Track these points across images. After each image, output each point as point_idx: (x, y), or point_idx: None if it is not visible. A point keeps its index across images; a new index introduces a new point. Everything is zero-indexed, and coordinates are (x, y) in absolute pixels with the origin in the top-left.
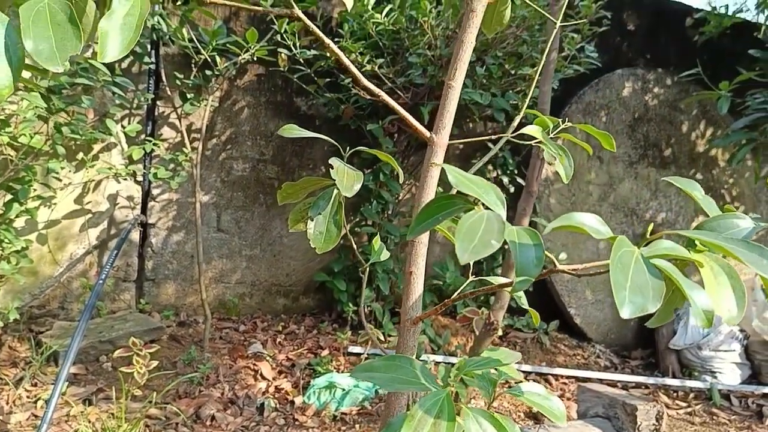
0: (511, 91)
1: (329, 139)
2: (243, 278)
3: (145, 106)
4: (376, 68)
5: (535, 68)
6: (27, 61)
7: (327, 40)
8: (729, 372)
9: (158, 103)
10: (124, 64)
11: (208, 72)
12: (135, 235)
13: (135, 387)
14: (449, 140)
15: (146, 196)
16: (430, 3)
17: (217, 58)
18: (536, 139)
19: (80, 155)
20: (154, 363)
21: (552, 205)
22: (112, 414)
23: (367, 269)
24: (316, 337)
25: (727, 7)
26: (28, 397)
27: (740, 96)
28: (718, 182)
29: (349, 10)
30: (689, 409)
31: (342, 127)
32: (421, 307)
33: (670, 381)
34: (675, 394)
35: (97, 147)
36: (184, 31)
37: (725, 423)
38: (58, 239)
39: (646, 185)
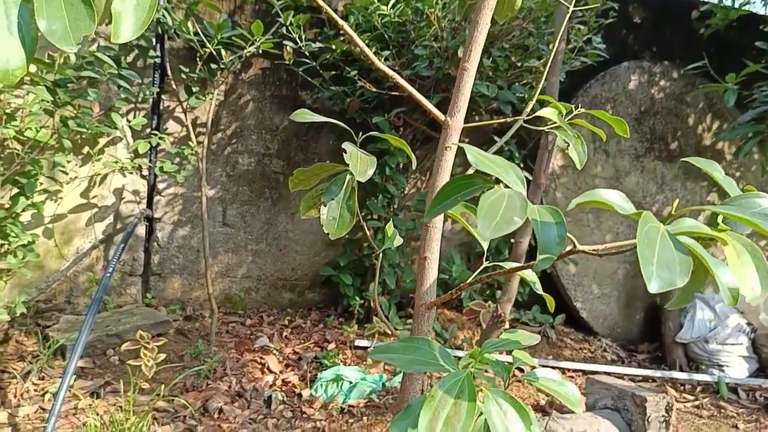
0: (517, 84)
1: (340, 123)
2: (249, 272)
3: (151, 100)
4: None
5: (542, 60)
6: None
7: (341, 22)
8: (736, 365)
9: (163, 96)
10: (130, 58)
11: (213, 65)
12: (141, 230)
13: (142, 380)
14: (463, 124)
15: (152, 190)
16: None
17: (222, 52)
18: (548, 126)
19: (86, 149)
20: (162, 356)
21: (558, 198)
22: (120, 407)
23: (380, 256)
24: (323, 331)
25: None
26: (35, 390)
27: (747, 89)
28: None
29: (354, 2)
30: (697, 403)
31: (347, 120)
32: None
33: (677, 374)
34: (682, 388)
35: (102, 141)
36: (189, 24)
37: (733, 416)
38: (65, 233)
39: (652, 178)
